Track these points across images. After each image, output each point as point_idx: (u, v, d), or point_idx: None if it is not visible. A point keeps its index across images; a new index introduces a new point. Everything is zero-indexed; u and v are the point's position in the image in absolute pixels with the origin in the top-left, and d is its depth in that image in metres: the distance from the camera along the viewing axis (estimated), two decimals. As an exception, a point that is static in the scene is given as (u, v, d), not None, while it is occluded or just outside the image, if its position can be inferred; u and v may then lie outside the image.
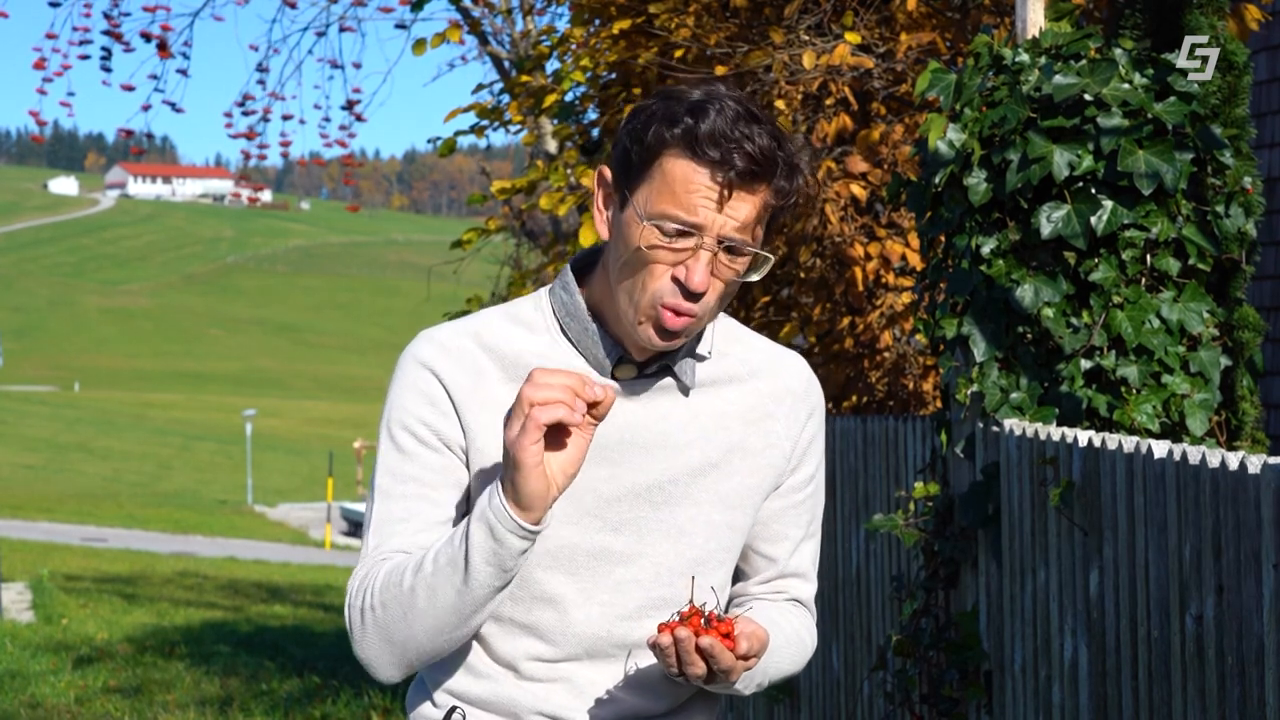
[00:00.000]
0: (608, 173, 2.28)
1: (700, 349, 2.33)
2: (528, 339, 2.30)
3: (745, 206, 2.20)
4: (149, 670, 11.01)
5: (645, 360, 2.30)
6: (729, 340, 2.38)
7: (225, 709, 9.45)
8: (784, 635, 2.37)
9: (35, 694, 9.94)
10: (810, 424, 2.40)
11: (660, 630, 2.15)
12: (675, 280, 2.21)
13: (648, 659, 2.30)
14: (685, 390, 2.31)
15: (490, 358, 2.29)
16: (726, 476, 2.32)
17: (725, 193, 2.18)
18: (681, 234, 2.19)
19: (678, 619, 2.15)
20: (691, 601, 2.20)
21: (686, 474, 2.30)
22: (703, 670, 2.15)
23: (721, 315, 2.39)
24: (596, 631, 2.28)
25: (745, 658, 2.17)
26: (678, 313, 2.22)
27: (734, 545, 2.35)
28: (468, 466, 2.28)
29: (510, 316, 2.33)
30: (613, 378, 2.29)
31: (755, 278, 2.27)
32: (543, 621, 2.27)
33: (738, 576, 2.44)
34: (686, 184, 2.18)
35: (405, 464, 2.28)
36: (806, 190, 2.29)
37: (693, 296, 2.21)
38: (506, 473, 2.14)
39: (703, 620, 2.15)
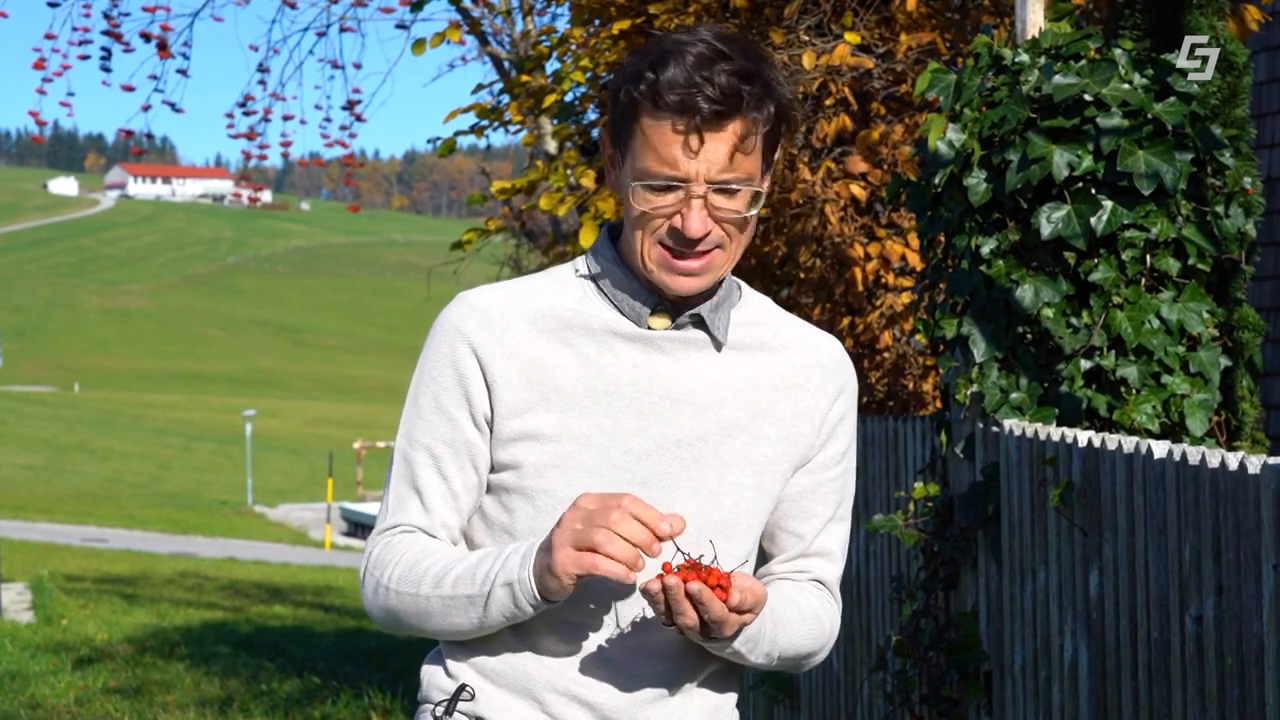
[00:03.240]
0: (607, 136, 2.34)
1: (732, 298, 2.37)
2: (560, 294, 2.35)
3: (721, 146, 2.23)
4: (149, 671, 11.01)
5: (678, 311, 2.32)
6: (764, 312, 2.41)
7: (225, 709, 9.44)
8: (798, 610, 2.35)
9: (35, 694, 9.94)
10: (840, 401, 2.41)
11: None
12: (674, 230, 2.25)
13: (666, 631, 2.28)
14: (718, 346, 2.34)
15: (520, 313, 2.33)
16: (755, 440, 2.34)
17: (696, 139, 2.22)
18: (669, 188, 2.24)
19: (676, 571, 2.16)
20: (688, 554, 2.21)
21: (716, 432, 2.32)
22: (693, 619, 2.15)
23: (757, 293, 2.44)
24: (620, 587, 2.28)
25: (740, 611, 2.17)
26: (685, 256, 2.26)
27: (760, 511, 2.35)
28: (490, 423, 2.31)
29: (546, 276, 2.39)
30: (647, 327, 2.32)
31: (756, 210, 2.30)
32: None
33: (764, 557, 2.44)
34: (661, 139, 2.23)
35: (421, 431, 2.33)
36: (791, 107, 2.29)
37: (692, 243, 2.25)
38: (541, 554, 2.20)
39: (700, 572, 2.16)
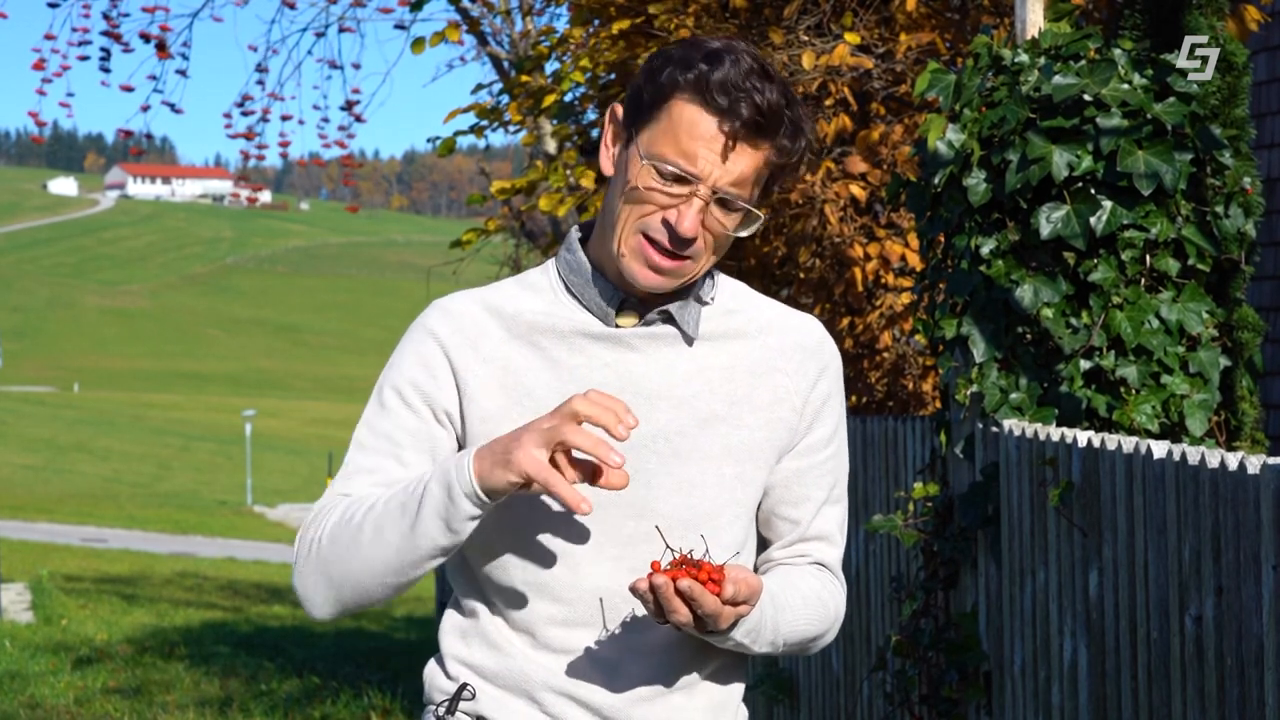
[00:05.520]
0: (619, 110, 2.31)
1: (703, 295, 2.36)
2: (532, 299, 2.35)
3: (745, 160, 2.23)
4: (149, 671, 11.01)
5: (647, 309, 2.32)
6: (738, 299, 2.40)
7: (225, 709, 9.45)
8: (800, 594, 2.34)
9: (35, 694, 9.94)
10: (823, 382, 2.39)
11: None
12: (665, 223, 2.24)
13: (659, 629, 2.28)
14: (689, 340, 2.33)
15: (493, 318, 2.34)
16: (735, 429, 2.33)
17: (729, 143, 2.21)
18: (678, 179, 2.23)
19: (667, 568, 2.15)
20: (679, 549, 2.20)
21: (693, 425, 2.31)
22: (686, 616, 2.14)
23: (732, 279, 2.42)
24: (609, 585, 2.28)
25: (735, 603, 2.16)
26: (663, 254, 2.25)
27: (747, 500, 2.34)
28: (463, 422, 2.32)
29: (518, 281, 2.40)
30: (615, 326, 2.32)
31: (745, 234, 2.30)
32: (554, 579, 2.28)
33: (763, 544, 2.43)
34: (691, 129, 2.21)
35: (383, 420, 2.33)
36: (807, 156, 2.33)
37: (679, 242, 2.24)
38: (496, 451, 2.17)
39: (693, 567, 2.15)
